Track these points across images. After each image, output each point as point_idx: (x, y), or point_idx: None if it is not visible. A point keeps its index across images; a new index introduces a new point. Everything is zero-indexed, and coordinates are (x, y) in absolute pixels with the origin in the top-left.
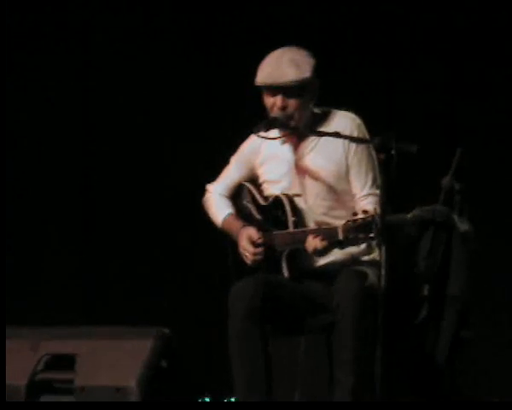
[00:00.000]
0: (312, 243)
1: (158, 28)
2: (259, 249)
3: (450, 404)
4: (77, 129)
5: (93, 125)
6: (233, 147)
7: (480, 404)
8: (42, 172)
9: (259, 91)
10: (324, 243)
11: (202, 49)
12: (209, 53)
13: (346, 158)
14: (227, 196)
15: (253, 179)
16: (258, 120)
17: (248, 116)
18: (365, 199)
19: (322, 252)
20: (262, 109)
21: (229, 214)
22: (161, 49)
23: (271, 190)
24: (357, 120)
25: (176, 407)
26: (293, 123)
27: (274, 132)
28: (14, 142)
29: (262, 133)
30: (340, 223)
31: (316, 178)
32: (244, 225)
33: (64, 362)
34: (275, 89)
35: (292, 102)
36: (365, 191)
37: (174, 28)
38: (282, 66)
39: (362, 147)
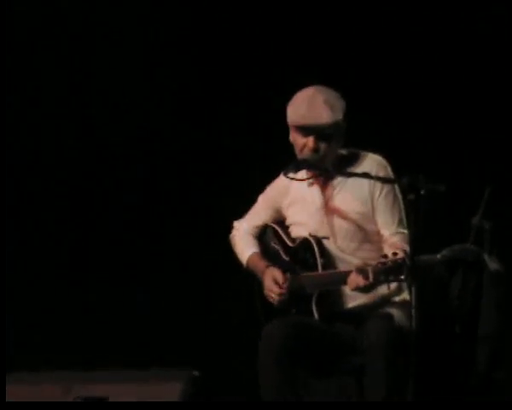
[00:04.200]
0: (355, 280)
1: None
2: (284, 290)
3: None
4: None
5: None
6: (260, 183)
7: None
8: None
9: (286, 129)
10: (366, 282)
11: (229, 85)
12: (239, 88)
13: (372, 199)
14: (253, 235)
15: (280, 220)
16: (287, 158)
17: (277, 153)
18: (392, 238)
19: (365, 290)
20: (289, 146)
21: (254, 253)
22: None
23: (299, 231)
24: (383, 162)
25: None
26: (323, 165)
27: (302, 173)
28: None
29: (291, 174)
30: (370, 265)
31: (345, 218)
32: (269, 266)
33: (95, 406)
34: (307, 129)
35: (323, 144)
36: (392, 230)
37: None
38: (317, 107)
39: (387, 188)
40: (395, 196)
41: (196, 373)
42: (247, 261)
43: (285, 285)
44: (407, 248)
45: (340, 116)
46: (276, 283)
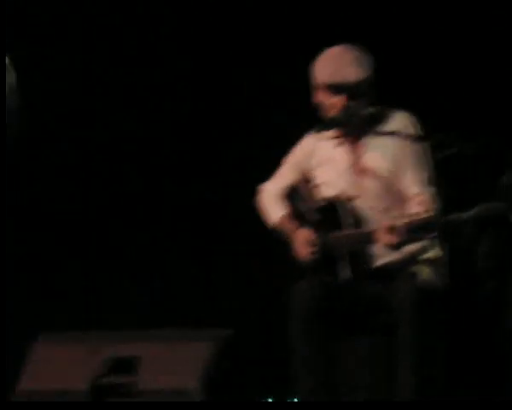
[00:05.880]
0: (386, 237)
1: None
2: (315, 249)
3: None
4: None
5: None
6: (285, 146)
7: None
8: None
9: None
10: (397, 239)
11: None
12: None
13: (402, 156)
14: (281, 197)
15: (307, 181)
16: (311, 120)
17: (298, 115)
18: (420, 196)
19: (395, 247)
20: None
21: (283, 215)
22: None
23: (327, 191)
24: (413, 119)
25: (238, 407)
26: (352, 123)
27: (330, 133)
28: None
29: (321, 133)
30: (401, 223)
31: (375, 177)
32: (299, 227)
33: (125, 366)
34: (336, 88)
35: (353, 103)
36: (420, 188)
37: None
38: (346, 65)
39: (416, 145)
40: (424, 153)
41: (228, 332)
42: (276, 224)
43: (316, 245)
44: (436, 206)
45: (369, 73)
46: (308, 243)
